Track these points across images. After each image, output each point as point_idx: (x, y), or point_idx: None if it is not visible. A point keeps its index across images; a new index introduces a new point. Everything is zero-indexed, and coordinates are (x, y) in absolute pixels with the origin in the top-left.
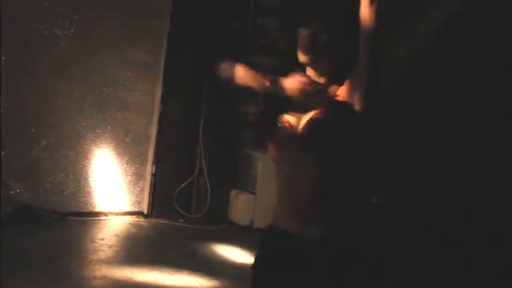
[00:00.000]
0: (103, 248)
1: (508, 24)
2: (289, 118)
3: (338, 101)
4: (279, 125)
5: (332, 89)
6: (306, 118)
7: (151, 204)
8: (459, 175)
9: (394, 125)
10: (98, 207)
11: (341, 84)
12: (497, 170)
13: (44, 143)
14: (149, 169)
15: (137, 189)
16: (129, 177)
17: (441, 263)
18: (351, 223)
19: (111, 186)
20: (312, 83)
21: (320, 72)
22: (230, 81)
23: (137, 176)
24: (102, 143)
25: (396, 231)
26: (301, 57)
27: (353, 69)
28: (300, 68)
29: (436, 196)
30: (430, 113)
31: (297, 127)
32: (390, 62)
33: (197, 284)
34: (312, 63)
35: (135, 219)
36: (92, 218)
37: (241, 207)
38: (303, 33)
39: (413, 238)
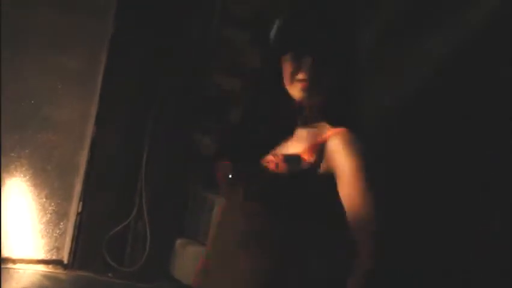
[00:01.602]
0: None
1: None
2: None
3: None
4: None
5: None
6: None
7: (74, 252)
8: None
9: (394, 126)
10: (6, 252)
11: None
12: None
13: None
14: (74, 207)
15: (57, 231)
16: (48, 215)
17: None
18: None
19: (24, 226)
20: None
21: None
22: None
23: (59, 215)
24: (16, 171)
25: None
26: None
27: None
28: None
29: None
30: (433, 114)
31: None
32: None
33: None
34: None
35: (51, 270)
36: None
37: (188, 261)
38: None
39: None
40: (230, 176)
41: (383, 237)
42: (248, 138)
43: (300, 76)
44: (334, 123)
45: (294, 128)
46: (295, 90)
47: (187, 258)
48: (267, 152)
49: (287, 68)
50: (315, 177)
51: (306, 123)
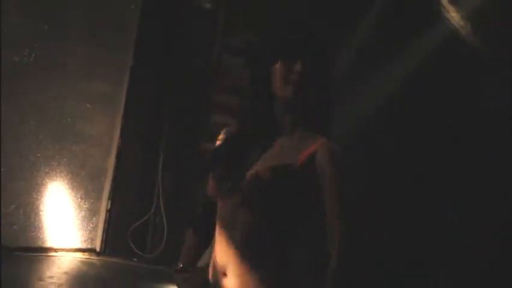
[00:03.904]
0: (51, 287)
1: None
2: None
3: None
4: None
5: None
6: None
7: (104, 242)
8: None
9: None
10: (49, 242)
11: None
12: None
13: None
14: (104, 205)
15: (91, 225)
16: (83, 212)
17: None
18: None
19: (63, 221)
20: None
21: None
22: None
23: (91, 212)
24: (56, 176)
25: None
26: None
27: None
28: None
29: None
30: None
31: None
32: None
33: None
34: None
35: (87, 257)
36: (41, 254)
37: None
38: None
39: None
40: (229, 186)
41: (347, 210)
42: (239, 148)
43: (293, 77)
44: (317, 130)
45: (274, 139)
46: (287, 91)
47: None
48: (254, 161)
49: (280, 71)
50: (305, 181)
51: (287, 133)
